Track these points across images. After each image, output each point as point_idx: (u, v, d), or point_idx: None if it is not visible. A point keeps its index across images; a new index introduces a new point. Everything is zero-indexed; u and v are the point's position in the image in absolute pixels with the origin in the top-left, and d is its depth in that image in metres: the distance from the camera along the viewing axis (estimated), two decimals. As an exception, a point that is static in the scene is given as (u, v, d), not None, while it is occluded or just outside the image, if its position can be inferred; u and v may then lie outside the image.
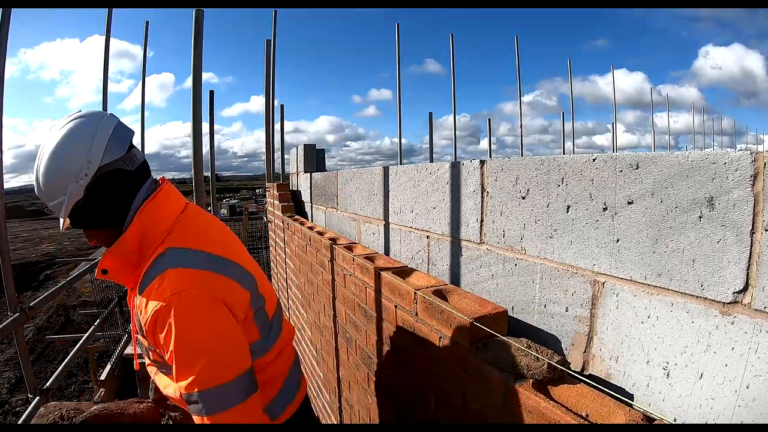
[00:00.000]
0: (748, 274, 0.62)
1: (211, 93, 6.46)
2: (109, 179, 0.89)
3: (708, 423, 0.69)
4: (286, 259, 3.73)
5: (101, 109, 4.26)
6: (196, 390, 0.83)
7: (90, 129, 0.88)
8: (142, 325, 0.89)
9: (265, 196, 8.40)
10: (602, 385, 0.78)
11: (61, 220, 0.90)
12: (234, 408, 0.85)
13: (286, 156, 6.38)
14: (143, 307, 0.88)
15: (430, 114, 7.20)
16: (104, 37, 4.10)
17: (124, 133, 0.93)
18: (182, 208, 1.00)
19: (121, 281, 1.00)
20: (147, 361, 1.11)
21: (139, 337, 0.99)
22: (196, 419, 0.86)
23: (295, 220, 3.31)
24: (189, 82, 2.28)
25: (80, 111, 0.91)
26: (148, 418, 1.14)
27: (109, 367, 3.55)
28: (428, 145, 7.06)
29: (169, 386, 1.01)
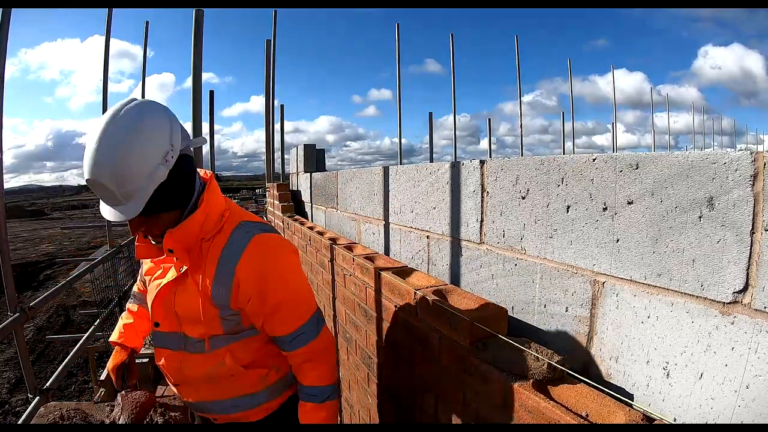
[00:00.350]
0: (748, 274, 0.62)
1: (211, 93, 6.46)
2: (184, 162, 0.93)
3: (708, 423, 0.69)
4: (286, 259, 3.72)
5: (101, 109, 4.24)
6: (304, 321, 1.07)
7: (163, 114, 0.88)
8: (232, 290, 0.99)
9: (265, 196, 8.40)
10: (602, 385, 0.78)
11: (124, 209, 0.85)
12: (323, 327, 1.12)
13: (286, 156, 6.39)
14: (243, 272, 0.98)
15: (430, 114, 7.21)
16: (104, 38, 4.10)
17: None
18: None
19: (182, 259, 1.00)
20: (162, 357, 1.11)
21: (202, 304, 1.01)
22: (301, 350, 1.07)
23: (295, 219, 3.32)
24: (189, 82, 2.28)
25: (133, 99, 0.88)
26: (150, 405, 1.19)
27: (109, 367, 3.55)
28: (428, 145, 7.06)
29: (216, 364, 1.07)
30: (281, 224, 3.83)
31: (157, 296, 1.06)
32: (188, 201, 0.98)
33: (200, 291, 1.00)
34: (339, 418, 2.18)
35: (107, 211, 0.88)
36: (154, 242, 1.00)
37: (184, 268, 1.01)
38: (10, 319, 1.94)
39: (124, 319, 1.30)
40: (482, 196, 1.22)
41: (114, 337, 1.28)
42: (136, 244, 1.06)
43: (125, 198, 0.85)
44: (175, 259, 1.01)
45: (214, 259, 0.99)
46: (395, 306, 1.33)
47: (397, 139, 6.49)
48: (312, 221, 3.32)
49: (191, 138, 0.97)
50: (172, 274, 1.04)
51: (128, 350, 1.27)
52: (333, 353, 1.14)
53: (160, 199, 0.89)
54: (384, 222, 1.90)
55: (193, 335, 1.05)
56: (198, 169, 1.05)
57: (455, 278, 1.38)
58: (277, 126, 6.31)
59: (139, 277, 1.30)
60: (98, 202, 0.90)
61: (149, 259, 1.12)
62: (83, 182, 0.86)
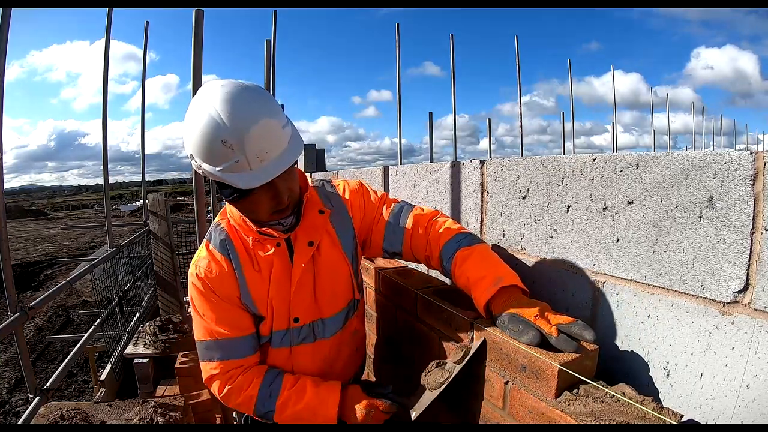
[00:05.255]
0: (748, 273, 0.62)
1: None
2: None
3: (708, 423, 0.69)
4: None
5: (101, 109, 4.22)
6: (395, 203, 1.14)
7: None
8: (352, 222, 1.10)
9: (265, 196, 8.35)
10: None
11: (290, 149, 0.86)
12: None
13: (286, 156, 6.37)
14: (356, 205, 1.12)
15: (430, 114, 7.18)
16: (105, 38, 4.10)
17: None
18: None
19: (321, 224, 1.05)
20: (298, 355, 1.08)
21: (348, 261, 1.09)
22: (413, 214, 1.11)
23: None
24: (191, 83, 2.27)
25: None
26: None
27: (109, 367, 3.55)
28: (428, 145, 7.04)
29: (350, 334, 1.21)
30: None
31: (298, 285, 1.02)
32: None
33: (335, 253, 1.06)
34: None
35: (266, 171, 0.83)
36: (282, 222, 0.97)
37: (312, 242, 1.02)
38: (10, 319, 1.95)
39: (300, 388, 1.01)
40: (482, 196, 1.22)
41: (328, 399, 0.99)
42: (265, 255, 0.99)
43: (287, 136, 0.87)
44: (276, 245, 1.00)
45: (326, 215, 1.06)
46: (395, 306, 1.33)
47: (397, 139, 6.49)
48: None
49: None
50: (302, 255, 1.01)
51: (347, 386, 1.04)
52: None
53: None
54: (384, 222, 1.90)
55: (331, 314, 1.09)
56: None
57: (455, 278, 1.38)
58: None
59: (228, 356, 1.01)
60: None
61: (255, 278, 1.01)
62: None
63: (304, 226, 1.02)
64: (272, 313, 1.03)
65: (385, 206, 1.13)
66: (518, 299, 0.85)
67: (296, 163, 0.98)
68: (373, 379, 1.60)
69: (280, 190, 0.88)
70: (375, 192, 1.16)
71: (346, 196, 1.12)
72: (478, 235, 1.24)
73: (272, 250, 1.00)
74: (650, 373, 0.78)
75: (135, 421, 1.35)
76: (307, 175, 1.14)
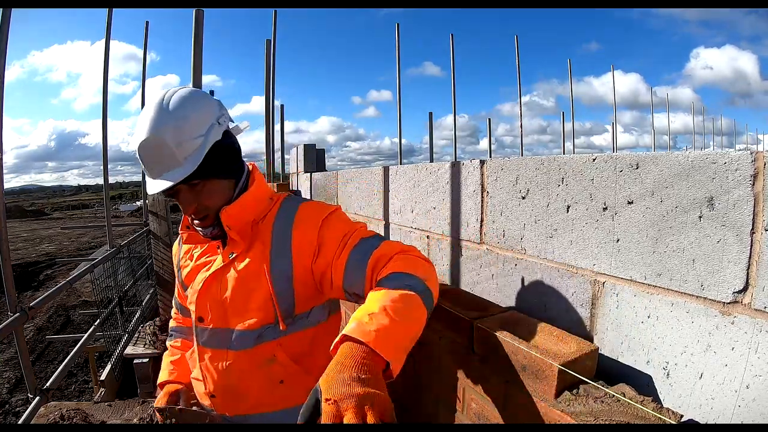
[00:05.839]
0: (748, 273, 0.62)
1: (211, 93, 6.43)
2: (233, 138, 0.98)
3: (708, 423, 0.69)
4: (286, 259, 3.72)
5: (101, 109, 4.22)
6: (363, 236, 0.94)
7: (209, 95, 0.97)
8: (292, 253, 0.95)
9: (265, 196, 8.33)
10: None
11: (181, 169, 0.87)
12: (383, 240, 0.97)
13: (286, 156, 6.38)
14: (299, 230, 0.96)
15: (430, 114, 7.19)
16: (105, 38, 4.10)
17: None
18: None
19: (236, 239, 0.97)
20: (204, 356, 1.03)
21: (280, 284, 0.95)
22: (372, 256, 0.88)
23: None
24: (191, 84, 2.27)
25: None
26: None
27: (109, 367, 3.55)
28: (428, 145, 7.04)
29: (266, 360, 0.98)
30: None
31: (204, 287, 1.00)
32: (240, 174, 0.99)
33: (254, 271, 0.96)
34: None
35: (156, 184, 0.89)
36: (202, 231, 0.99)
37: (234, 254, 0.98)
38: (10, 319, 1.94)
39: (168, 356, 1.25)
40: (482, 196, 1.22)
41: (163, 376, 1.19)
42: (182, 233, 1.07)
43: (183, 154, 0.87)
44: (218, 248, 1.02)
45: (268, 233, 0.97)
46: (395, 306, 1.32)
47: (397, 139, 6.48)
48: (312, 221, 3.31)
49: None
50: (219, 262, 1.00)
51: (182, 386, 1.15)
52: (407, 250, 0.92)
53: (216, 161, 0.90)
54: (384, 222, 1.90)
55: (241, 328, 0.98)
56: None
57: (455, 278, 1.38)
58: (277, 126, 6.29)
59: (174, 306, 1.30)
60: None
61: (187, 267, 1.10)
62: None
63: (231, 238, 0.97)
64: (190, 307, 1.08)
65: (351, 239, 0.93)
66: (336, 376, 0.60)
67: (245, 179, 1.00)
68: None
69: (181, 201, 0.93)
70: (348, 222, 0.99)
71: (300, 215, 0.98)
72: (478, 236, 1.24)
73: (199, 249, 1.08)
74: (650, 373, 0.78)
75: (135, 421, 1.35)
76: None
